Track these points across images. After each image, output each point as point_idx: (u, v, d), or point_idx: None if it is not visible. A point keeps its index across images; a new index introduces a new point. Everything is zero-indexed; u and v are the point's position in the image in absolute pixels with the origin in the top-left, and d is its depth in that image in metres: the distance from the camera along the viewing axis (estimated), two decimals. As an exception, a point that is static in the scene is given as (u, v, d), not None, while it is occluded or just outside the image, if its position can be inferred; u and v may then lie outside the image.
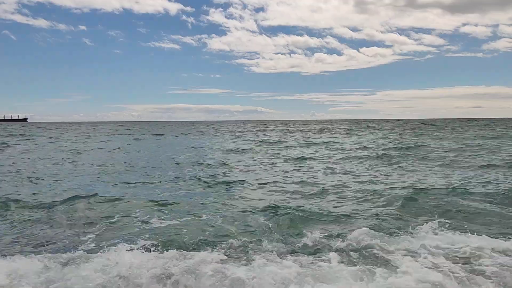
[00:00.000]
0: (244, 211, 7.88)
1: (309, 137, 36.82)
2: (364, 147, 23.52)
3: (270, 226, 6.90)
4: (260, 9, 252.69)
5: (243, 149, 23.74)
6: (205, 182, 11.62)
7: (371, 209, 8.03)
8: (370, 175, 12.80)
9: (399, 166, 14.69)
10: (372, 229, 6.18)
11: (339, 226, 6.88)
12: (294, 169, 14.58)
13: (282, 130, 58.26)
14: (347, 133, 45.04)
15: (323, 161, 17.08)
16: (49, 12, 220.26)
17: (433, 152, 19.58)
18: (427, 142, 26.01)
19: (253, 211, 7.89)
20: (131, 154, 21.19)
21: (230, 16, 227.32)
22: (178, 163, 16.45)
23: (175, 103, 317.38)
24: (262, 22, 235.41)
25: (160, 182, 11.81)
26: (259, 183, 11.42)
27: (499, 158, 16.25)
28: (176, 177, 12.69)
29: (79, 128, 77.22)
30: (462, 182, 10.87)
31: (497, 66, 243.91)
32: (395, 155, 18.37)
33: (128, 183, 11.56)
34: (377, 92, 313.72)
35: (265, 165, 15.97)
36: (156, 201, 8.81)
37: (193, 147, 26.55)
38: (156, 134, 46.28)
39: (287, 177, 12.68)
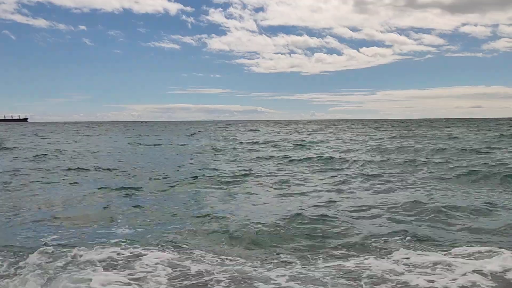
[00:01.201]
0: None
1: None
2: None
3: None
4: (260, 9, 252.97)
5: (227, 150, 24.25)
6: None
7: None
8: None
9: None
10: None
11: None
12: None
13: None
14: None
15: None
16: (49, 12, 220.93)
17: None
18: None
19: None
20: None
21: (230, 16, 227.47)
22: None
23: (175, 103, 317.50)
24: (262, 22, 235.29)
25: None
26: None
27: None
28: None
29: (69, 128, 77.51)
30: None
31: (497, 66, 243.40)
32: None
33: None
34: (377, 92, 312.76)
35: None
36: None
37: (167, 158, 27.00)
38: (146, 135, 47.36)
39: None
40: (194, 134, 51.97)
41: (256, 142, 32.28)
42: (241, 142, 32.42)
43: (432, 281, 5.14)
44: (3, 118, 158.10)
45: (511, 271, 5.31)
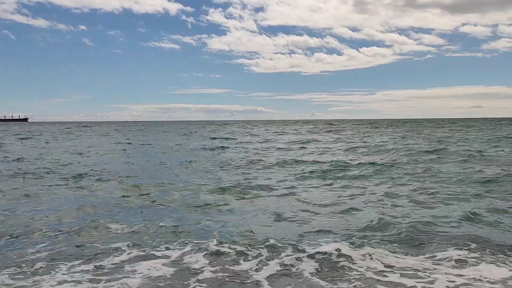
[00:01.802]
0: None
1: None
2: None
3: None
4: (259, 9, 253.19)
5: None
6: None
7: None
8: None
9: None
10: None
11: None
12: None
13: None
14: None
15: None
16: (49, 12, 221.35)
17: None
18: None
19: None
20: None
21: (229, 16, 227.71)
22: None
23: (175, 103, 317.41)
24: (262, 22, 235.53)
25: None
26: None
27: None
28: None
29: (65, 129, 77.62)
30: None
31: (497, 66, 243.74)
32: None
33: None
34: (377, 92, 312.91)
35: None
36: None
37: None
38: (142, 135, 47.67)
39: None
40: (190, 133, 52.10)
41: (253, 143, 32.29)
42: (239, 142, 32.45)
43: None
44: (3, 118, 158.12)
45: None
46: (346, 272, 5.58)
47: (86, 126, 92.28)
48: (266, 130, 63.41)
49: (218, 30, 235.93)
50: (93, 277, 5.44)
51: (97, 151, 25.69)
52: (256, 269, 5.72)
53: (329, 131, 52.96)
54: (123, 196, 10.93)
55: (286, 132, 52.93)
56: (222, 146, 28.33)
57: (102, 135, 50.11)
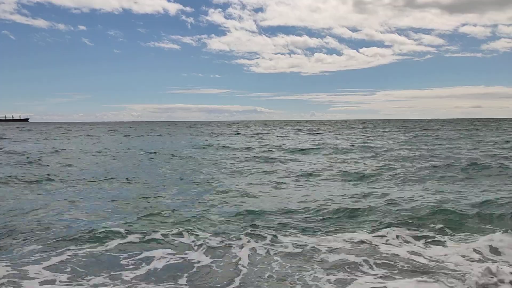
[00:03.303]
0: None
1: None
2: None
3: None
4: (259, 9, 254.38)
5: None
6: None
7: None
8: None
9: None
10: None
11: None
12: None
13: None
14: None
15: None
16: (49, 12, 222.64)
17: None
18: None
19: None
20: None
21: (229, 16, 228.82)
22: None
23: (174, 103, 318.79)
24: (261, 22, 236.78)
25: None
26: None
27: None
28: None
29: (56, 129, 77.43)
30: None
31: (497, 66, 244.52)
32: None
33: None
34: (377, 92, 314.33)
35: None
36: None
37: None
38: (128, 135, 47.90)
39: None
40: (191, 135, 52.35)
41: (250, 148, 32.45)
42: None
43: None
44: (4, 118, 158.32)
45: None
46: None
47: (70, 130, 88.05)
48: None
49: (217, 30, 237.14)
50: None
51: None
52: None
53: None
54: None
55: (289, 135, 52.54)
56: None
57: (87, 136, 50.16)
